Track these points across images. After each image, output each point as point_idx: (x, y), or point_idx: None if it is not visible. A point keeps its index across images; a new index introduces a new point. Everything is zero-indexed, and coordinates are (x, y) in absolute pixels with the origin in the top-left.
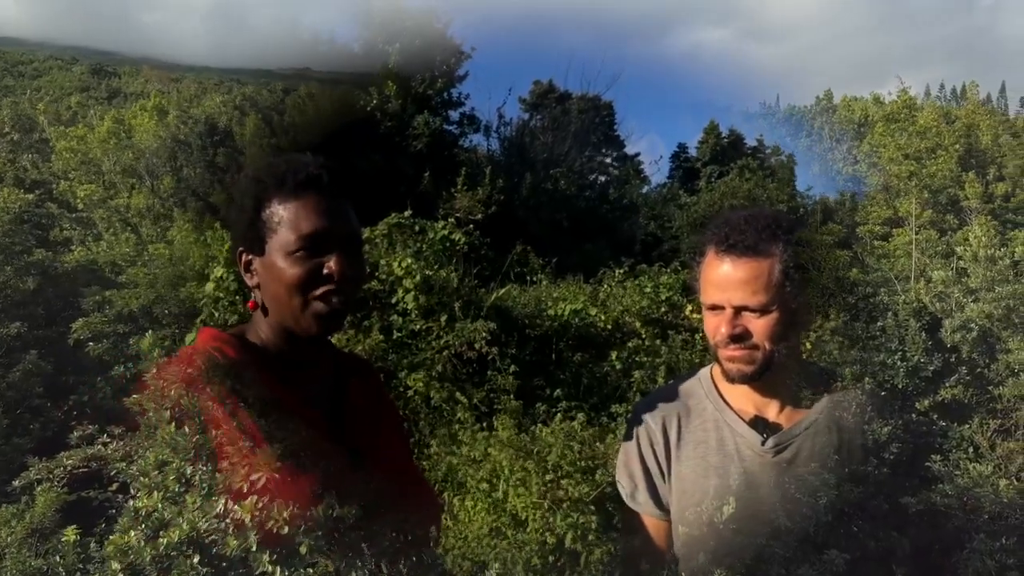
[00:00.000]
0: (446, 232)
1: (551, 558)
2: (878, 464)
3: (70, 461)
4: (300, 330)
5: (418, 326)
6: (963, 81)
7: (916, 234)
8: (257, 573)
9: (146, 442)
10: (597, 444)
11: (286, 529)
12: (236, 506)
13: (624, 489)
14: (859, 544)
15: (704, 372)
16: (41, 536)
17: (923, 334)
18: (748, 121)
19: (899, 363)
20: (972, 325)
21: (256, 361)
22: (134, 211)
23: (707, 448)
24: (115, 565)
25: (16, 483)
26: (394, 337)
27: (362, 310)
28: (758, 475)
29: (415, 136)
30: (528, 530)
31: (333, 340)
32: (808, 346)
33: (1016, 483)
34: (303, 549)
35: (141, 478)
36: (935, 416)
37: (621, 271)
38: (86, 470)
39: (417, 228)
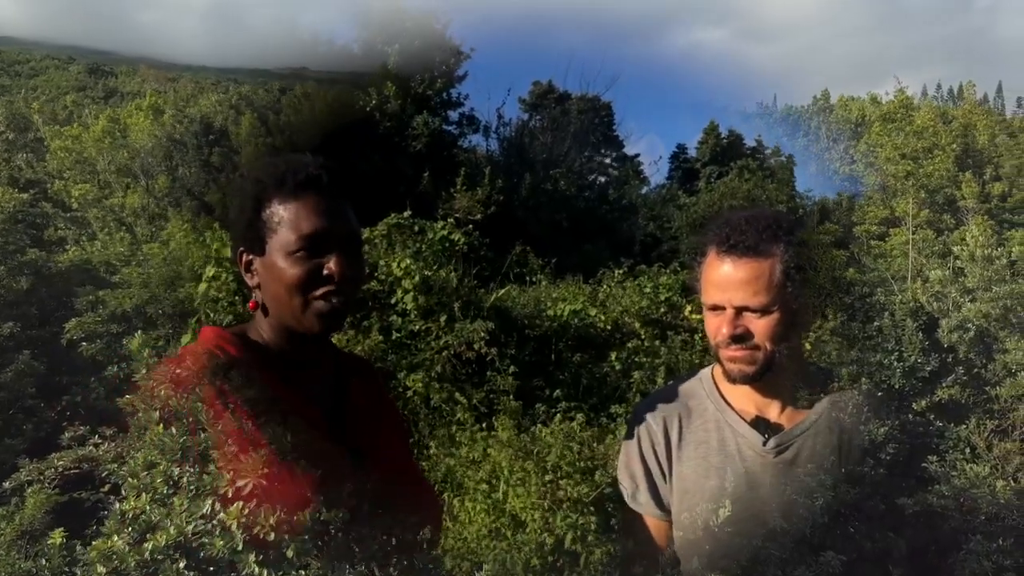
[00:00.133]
0: (445, 232)
1: (551, 559)
2: (874, 465)
3: (61, 462)
4: (301, 329)
5: (417, 327)
6: (960, 81)
7: (913, 234)
8: (244, 574)
9: (137, 443)
10: (596, 445)
11: (272, 536)
12: (223, 513)
13: (625, 489)
14: (855, 545)
15: (705, 372)
16: (31, 538)
17: (920, 334)
18: (746, 121)
19: (896, 363)
20: (969, 325)
21: (258, 360)
22: (129, 210)
23: (708, 448)
24: (100, 569)
25: (7, 485)
26: (393, 338)
27: (361, 311)
28: (759, 475)
29: (414, 136)
30: (527, 531)
31: (333, 340)
32: (808, 347)
33: (1013, 484)
34: (289, 553)
35: (130, 479)
36: (932, 416)
37: (620, 272)
38: (78, 471)
39: (416, 228)
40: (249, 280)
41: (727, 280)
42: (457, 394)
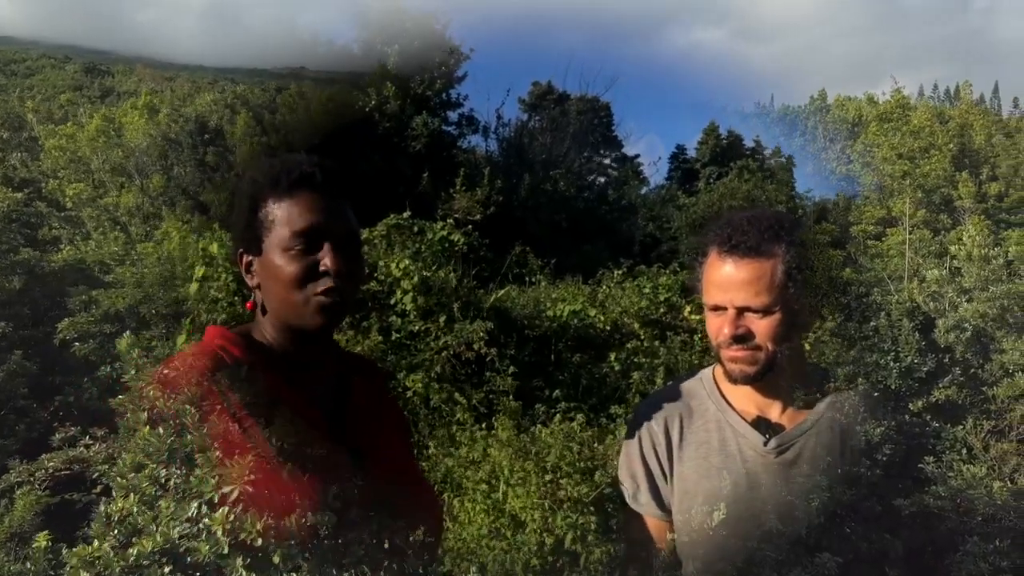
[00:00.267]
0: (445, 233)
1: (550, 559)
2: (871, 466)
3: (52, 464)
4: (300, 326)
5: (417, 327)
6: (957, 81)
7: (909, 234)
8: None
9: (128, 444)
10: (596, 445)
11: (258, 541)
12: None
13: (626, 490)
14: (852, 546)
15: (706, 372)
16: (20, 541)
17: (916, 334)
18: (743, 121)
19: (892, 364)
20: (966, 325)
21: (262, 360)
22: (123, 210)
23: (709, 449)
24: (83, 574)
25: None
26: (393, 338)
27: (361, 311)
28: (760, 476)
29: (414, 137)
30: (527, 531)
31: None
32: (807, 347)
33: (1010, 485)
34: (276, 559)
35: (118, 479)
36: (928, 417)
37: (620, 272)
38: (69, 472)
39: (416, 229)
40: (249, 281)
41: (729, 280)
42: (457, 394)
